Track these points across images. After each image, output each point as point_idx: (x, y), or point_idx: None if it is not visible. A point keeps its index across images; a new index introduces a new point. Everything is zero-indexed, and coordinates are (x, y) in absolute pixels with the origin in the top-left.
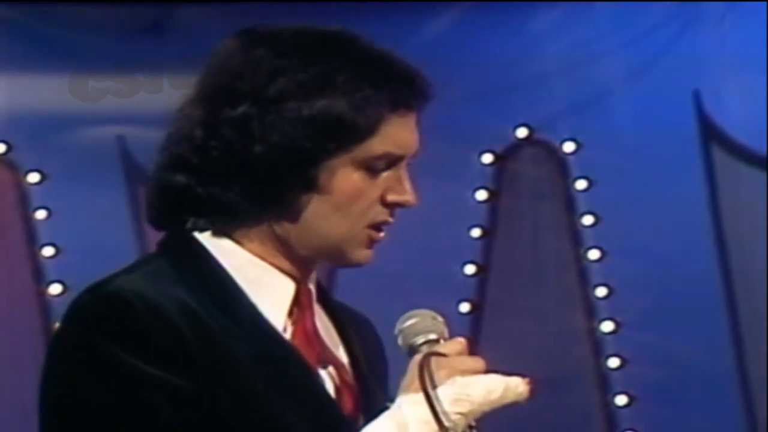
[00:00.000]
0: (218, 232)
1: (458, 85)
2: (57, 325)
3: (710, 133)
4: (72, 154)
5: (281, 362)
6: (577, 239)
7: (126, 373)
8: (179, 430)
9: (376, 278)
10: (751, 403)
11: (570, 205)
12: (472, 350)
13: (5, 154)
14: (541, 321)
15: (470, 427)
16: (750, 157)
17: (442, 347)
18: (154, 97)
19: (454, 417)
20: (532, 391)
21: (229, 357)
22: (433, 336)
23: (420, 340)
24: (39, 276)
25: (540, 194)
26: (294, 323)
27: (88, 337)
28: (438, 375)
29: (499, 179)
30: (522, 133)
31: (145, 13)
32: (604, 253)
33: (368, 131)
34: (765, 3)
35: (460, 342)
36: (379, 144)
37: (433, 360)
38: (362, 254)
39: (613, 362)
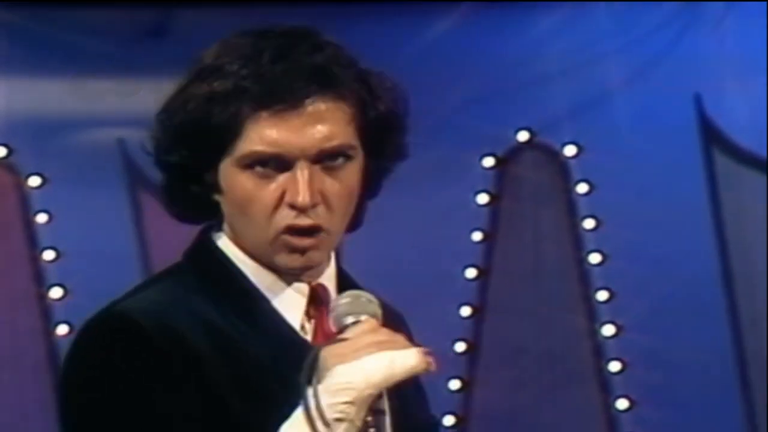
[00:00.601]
0: (230, 237)
1: (459, 88)
2: (60, 333)
3: (711, 136)
4: (73, 157)
5: (300, 363)
6: (578, 243)
7: (135, 393)
8: None
9: (376, 281)
10: (752, 406)
11: (571, 209)
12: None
13: (6, 157)
14: (542, 325)
15: (374, 412)
16: (751, 160)
17: (349, 331)
18: (154, 100)
19: (340, 408)
20: (429, 363)
21: (247, 362)
22: (363, 318)
23: (349, 320)
24: (40, 279)
25: (541, 198)
26: (313, 322)
27: (97, 359)
28: (329, 363)
29: (500, 183)
30: (523, 136)
31: (146, 16)
32: (605, 256)
33: (230, 132)
34: (765, 4)
35: (369, 322)
36: (245, 144)
37: (330, 349)
38: (285, 260)
39: (614, 366)
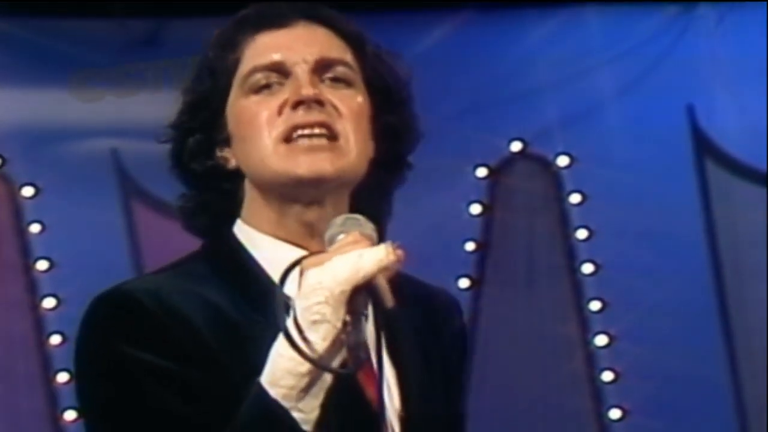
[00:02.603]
0: (242, 219)
1: (452, 99)
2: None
3: (704, 146)
4: (66, 167)
5: None
6: (570, 253)
7: (136, 368)
8: (191, 418)
9: None
10: (744, 416)
11: (564, 219)
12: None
13: (0, 167)
14: (535, 334)
15: (353, 313)
16: (743, 169)
17: (331, 248)
18: (148, 111)
19: (315, 309)
20: (399, 255)
21: (249, 344)
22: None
23: (339, 236)
24: (33, 289)
25: (534, 208)
26: None
27: (100, 336)
28: (306, 271)
29: (493, 193)
30: (516, 147)
31: (139, 26)
32: (597, 266)
33: (234, 59)
34: (758, 14)
35: (352, 235)
36: (245, 65)
37: (309, 258)
38: (296, 167)
39: (607, 376)
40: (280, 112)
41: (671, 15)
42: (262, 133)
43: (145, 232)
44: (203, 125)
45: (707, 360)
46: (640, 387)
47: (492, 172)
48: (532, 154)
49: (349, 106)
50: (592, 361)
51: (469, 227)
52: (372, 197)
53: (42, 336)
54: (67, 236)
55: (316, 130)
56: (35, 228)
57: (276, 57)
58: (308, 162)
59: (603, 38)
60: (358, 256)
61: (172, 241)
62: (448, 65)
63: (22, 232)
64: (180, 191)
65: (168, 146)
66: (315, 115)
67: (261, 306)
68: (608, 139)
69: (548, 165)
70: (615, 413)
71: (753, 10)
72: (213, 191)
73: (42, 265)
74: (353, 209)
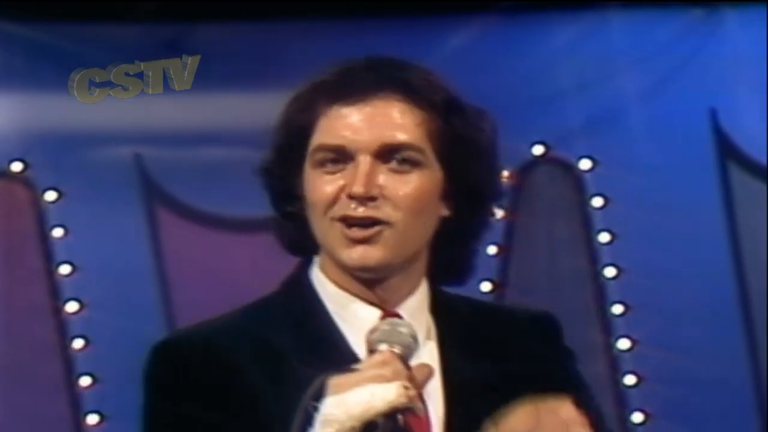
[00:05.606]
0: (318, 265)
1: (474, 103)
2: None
3: (727, 150)
4: (89, 172)
5: None
6: (593, 256)
7: (180, 421)
8: None
9: None
10: (767, 421)
11: (586, 223)
12: None
13: (22, 172)
14: None
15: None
16: (766, 173)
17: (365, 361)
18: (172, 116)
19: None
20: (411, 398)
21: (301, 390)
22: (397, 350)
23: (382, 347)
24: (56, 294)
25: (556, 212)
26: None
27: (149, 388)
28: (328, 392)
29: (515, 197)
30: (538, 150)
31: (163, 32)
32: (620, 270)
33: (309, 123)
34: None
35: (383, 354)
36: (316, 138)
37: (335, 378)
38: (343, 255)
39: (630, 379)
40: (339, 195)
41: (694, 18)
42: (322, 210)
43: (167, 237)
44: (284, 174)
45: (730, 363)
46: (663, 391)
47: (514, 176)
48: (555, 157)
49: (408, 193)
50: (614, 364)
51: (490, 231)
52: (452, 247)
53: (65, 340)
54: (89, 241)
55: (366, 223)
56: (58, 232)
57: (342, 140)
58: (358, 253)
59: (626, 42)
60: (371, 396)
61: (195, 246)
62: (470, 69)
63: (44, 236)
64: (203, 197)
65: (192, 152)
66: (366, 211)
67: (318, 347)
68: (631, 142)
69: (570, 168)
70: (638, 417)
71: None
72: (299, 228)
73: (65, 269)
74: (433, 260)
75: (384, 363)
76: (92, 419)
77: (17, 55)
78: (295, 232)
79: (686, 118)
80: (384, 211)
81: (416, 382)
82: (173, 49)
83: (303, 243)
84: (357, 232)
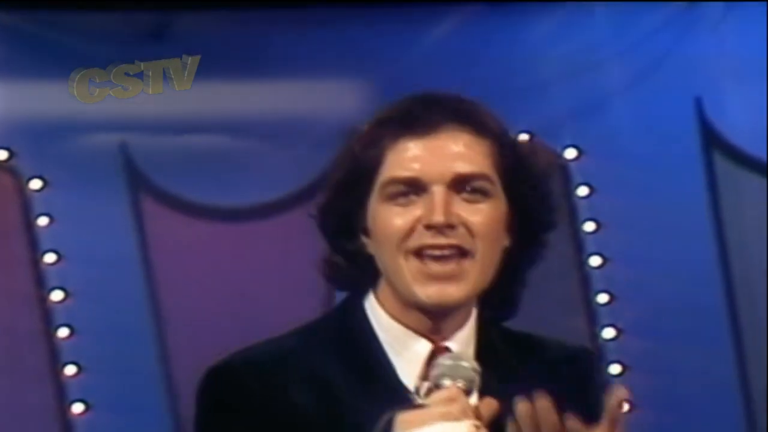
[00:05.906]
0: (375, 296)
1: (459, 92)
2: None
3: (712, 139)
4: (74, 161)
5: None
6: (578, 246)
7: None
8: None
9: None
10: (752, 410)
11: (572, 212)
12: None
13: (7, 161)
14: (543, 327)
15: None
16: (751, 163)
17: (430, 396)
18: (157, 105)
19: None
20: None
21: (349, 421)
22: (461, 384)
23: (446, 382)
24: (41, 282)
25: None
26: (425, 385)
27: (203, 411)
28: (396, 429)
29: None
30: (523, 140)
31: (146, 20)
32: (605, 259)
33: (376, 158)
34: (765, 6)
35: (450, 391)
36: (385, 171)
37: (403, 414)
38: (421, 290)
39: (615, 369)
40: (414, 227)
41: (679, 8)
42: (395, 243)
43: (153, 226)
44: (346, 211)
45: (714, 353)
46: (648, 380)
47: None
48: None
49: (483, 222)
50: (599, 353)
51: None
52: (507, 278)
53: (50, 329)
54: (74, 229)
55: (446, 252)
56: (43, 221)
57: (414, 172)
58: (436, 290)
59: (610, 32)
60: None
61: (180, 235)
62: (455, 58)
63: (29, 225)
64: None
65: (177, 140)
66: (445, 239)
67: (367, 378)
68: (616, 132)
69: (556, 158)
70: None
71: (759, 2)
72: (353, 264)
73: (50, 258)
74: (485, 293)
75: (451, 400)
76: (77, 408)
77: None
78: (349, 270)
79: (671, 108)
80: (465, 239)
81: (483, 418)
82: (156, 38)
83: (357, 280)
84: (435, 267)
